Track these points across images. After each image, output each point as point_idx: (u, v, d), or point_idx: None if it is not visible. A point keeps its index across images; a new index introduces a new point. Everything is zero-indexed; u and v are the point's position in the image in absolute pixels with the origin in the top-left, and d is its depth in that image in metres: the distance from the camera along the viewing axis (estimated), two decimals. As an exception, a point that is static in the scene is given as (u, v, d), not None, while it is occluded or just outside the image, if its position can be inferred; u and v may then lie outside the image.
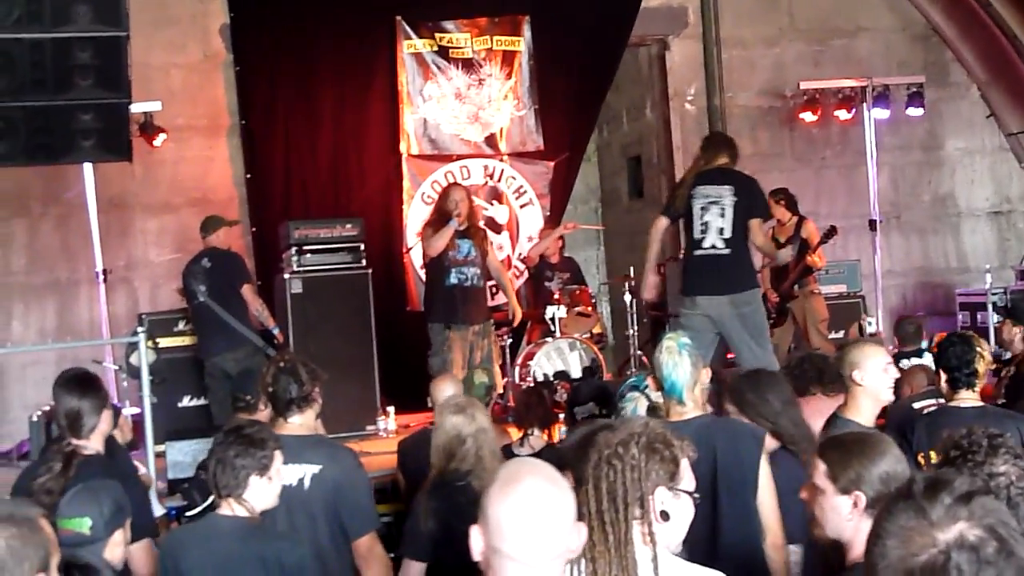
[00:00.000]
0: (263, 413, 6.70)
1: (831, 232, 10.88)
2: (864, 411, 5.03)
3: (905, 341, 8.35)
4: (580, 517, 2.99)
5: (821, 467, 3.42)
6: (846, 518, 3.35)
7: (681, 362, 4.60)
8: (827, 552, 3.52)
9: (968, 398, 5.46)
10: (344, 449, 5.21)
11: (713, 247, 8.23)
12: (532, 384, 9.91)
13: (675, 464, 3.14)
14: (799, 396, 6.07)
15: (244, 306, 9.62)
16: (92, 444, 5.10)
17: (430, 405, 6.94)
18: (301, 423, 5.05)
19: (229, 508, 4.36)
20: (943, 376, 5.59)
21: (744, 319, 8.22)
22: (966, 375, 5.46)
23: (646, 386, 5.02)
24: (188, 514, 6.19)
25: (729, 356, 8.94)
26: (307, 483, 4.86)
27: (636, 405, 5.20)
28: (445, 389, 6.31)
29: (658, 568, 3.00)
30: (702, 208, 8.25)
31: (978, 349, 5.49)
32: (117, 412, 7.00)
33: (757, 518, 4.37)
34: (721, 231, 8.22)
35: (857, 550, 3.28)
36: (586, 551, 2.94)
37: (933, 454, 4.86)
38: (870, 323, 11.78)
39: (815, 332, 10.92)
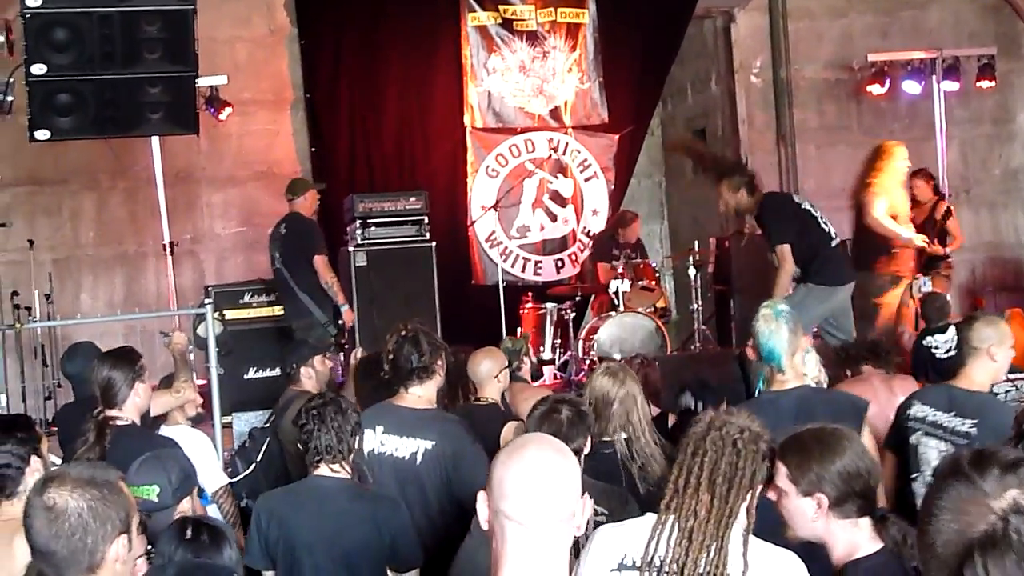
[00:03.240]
0: (309, 383, 6.78)
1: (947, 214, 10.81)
2: (983, 382, 5.06)
3: (930, 319, 8.37)
4: (686, 481, 3.19)
5: (782, 469, 3.34)
6: (811, 519, 3.31)
7: (778, 329, 4.60)
8: None
9: None
10: (457, 424, 5.10)
11: (837, 235, 8.61)
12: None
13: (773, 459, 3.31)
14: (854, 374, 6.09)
15: (314, 276, 9.45)
16: (126, 414, 5.19)
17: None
18: (421, 395, 5.05)
19: (328, 470, 4.47)
20: None
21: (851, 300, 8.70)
22: None
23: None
24: (231, 481, 6.18)
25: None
26: (419, 458, 4.86)
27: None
28: (482, 361, 6.13)
29: (747, 541, 3.12)
30: (811, 206, 8.61)
31: None
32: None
33: None
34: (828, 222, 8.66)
35: (838, 551, 3.30)
36: (684, 508, 3.14)
37: None
38: (925, 283, 11.62)
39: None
